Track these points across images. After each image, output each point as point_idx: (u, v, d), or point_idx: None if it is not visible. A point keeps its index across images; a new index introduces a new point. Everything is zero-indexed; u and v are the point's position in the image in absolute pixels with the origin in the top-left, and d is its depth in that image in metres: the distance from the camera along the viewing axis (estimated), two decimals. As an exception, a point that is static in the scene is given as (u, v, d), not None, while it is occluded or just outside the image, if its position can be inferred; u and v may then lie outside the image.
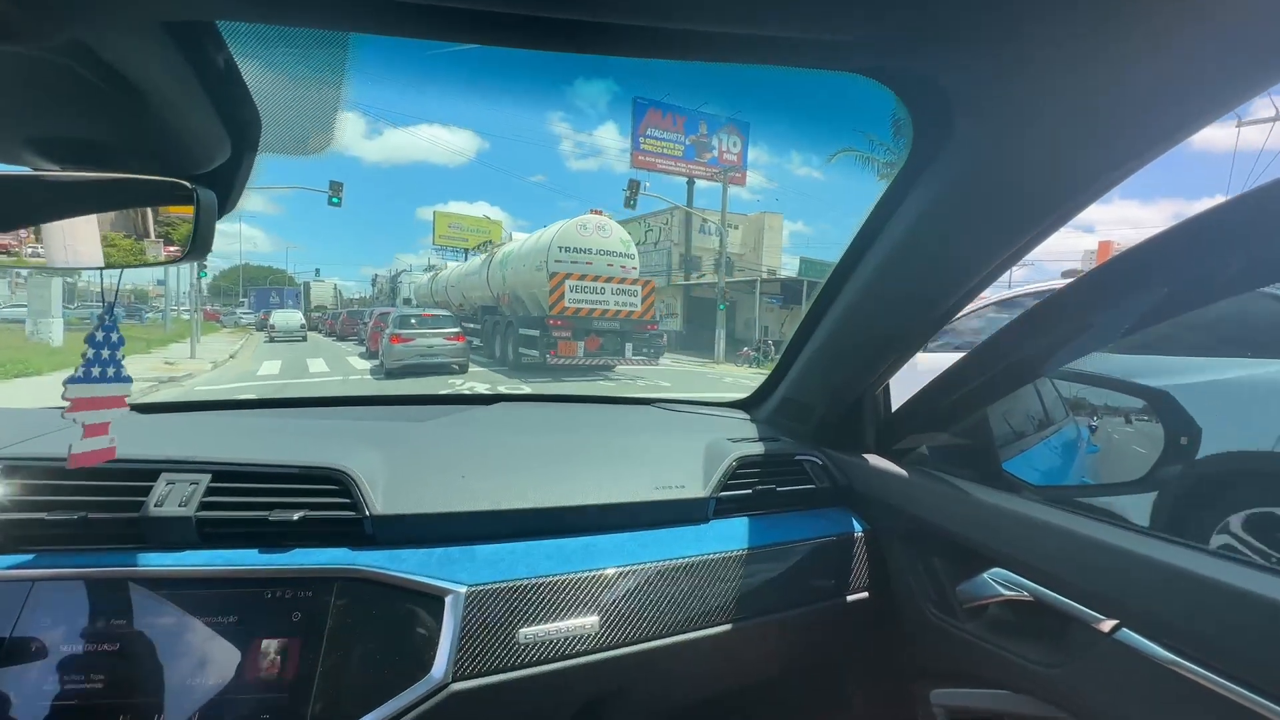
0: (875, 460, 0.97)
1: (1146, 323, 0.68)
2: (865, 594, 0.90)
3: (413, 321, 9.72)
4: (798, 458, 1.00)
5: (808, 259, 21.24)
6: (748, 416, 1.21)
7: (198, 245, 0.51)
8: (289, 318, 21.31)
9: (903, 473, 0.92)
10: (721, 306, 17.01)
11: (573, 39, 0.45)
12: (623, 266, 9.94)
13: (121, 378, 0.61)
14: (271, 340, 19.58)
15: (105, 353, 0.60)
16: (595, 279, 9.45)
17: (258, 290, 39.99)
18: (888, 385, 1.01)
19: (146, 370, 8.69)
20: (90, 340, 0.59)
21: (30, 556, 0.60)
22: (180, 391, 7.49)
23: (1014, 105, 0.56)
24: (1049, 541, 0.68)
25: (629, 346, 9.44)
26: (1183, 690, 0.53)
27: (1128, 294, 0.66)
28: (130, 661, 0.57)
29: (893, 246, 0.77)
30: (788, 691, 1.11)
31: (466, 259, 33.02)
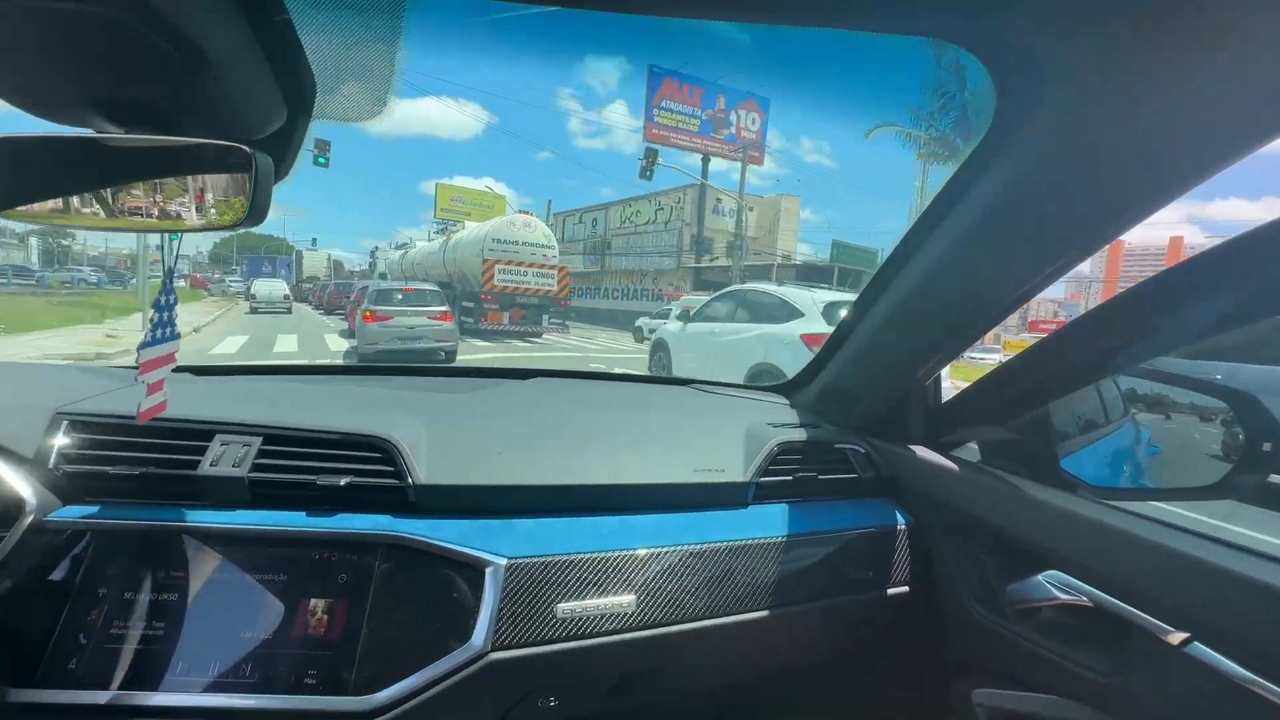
0: (922, 452, 0.97)
1: (1225, 326, 0.67)
2: (905, 588, 0.90)
3: (395, 297, 8.55)
4: (841, 446, 1.00)
5: (841, 243, 20.34)
6: (787, 401, 1.21)
7: (255, 210, 0.51)
8: (272, 287, 20.50)
9: (952, 466, 0.92)
10: None
11: None
12: (544, 255, 13.12)
13: (174, 335, 0.66)
14: (254, 311, 18.90)
15: (165, 315, 0.64)
16: (520, 264, 12.67)
17: (250, 258, 40.10)
18: (939, 376, 1.00)
19: (76, 345, 7.92)
20: (156, 305, 0.63)
21: (95, 508, 0.65)
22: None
23: (1113, 82, 0.53)
24: (1114, 546, 0.67)
25: (545, 318, 12.84)
26: (1262, 711, 0.52)
27: (1206, 295, 0.65)
28: (187, 610, 0.62)
29: (962, 229, 0.74)
30: (822, 681, 1.12)
31: None
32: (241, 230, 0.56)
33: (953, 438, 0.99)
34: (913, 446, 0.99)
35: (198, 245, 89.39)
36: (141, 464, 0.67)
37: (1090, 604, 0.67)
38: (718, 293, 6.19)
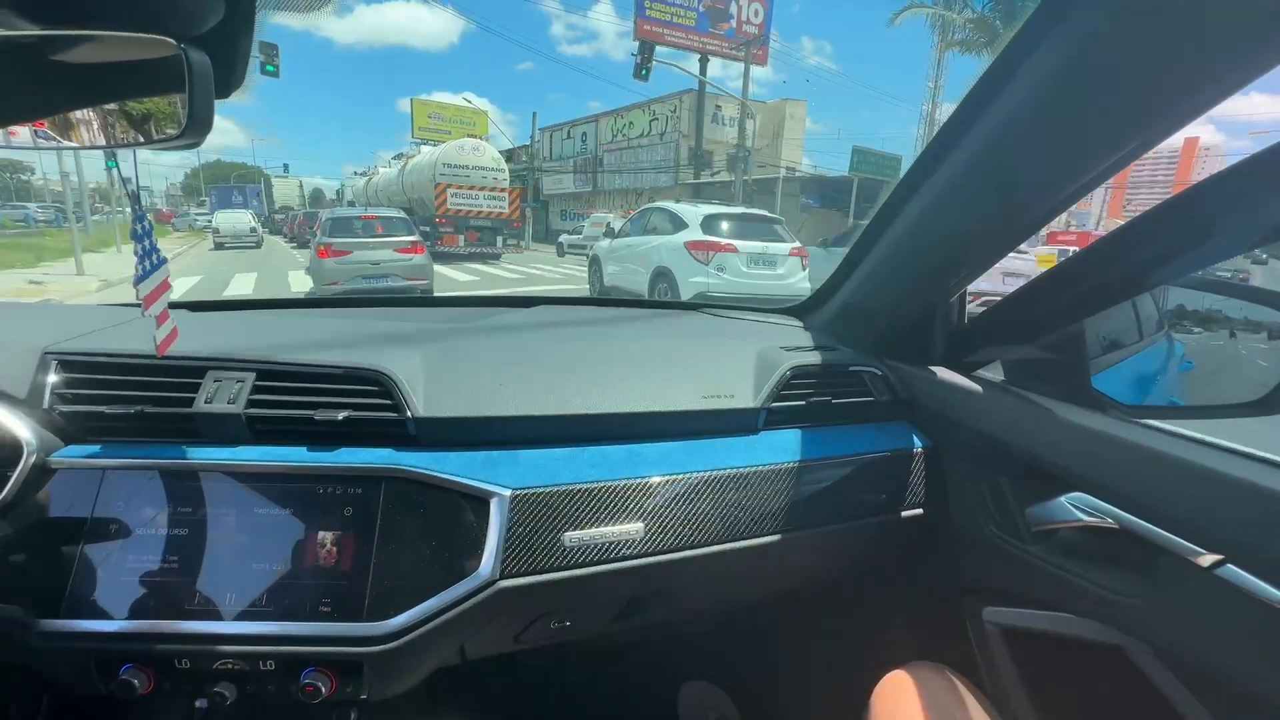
0: (943, 373, 0.96)
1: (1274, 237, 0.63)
2: (920, 510, 0.92)
3: (353, 226, 7.50)
4: (856, 368, 0.99)
5: (863, 149, 18.29)
6: (801, 324, 1.20)
7: (195, 121, 0.47)
8: (236, 220, 19.33)
9: (975, 387, 0.91)
10: None
11: None
12: (495, 178, 14.26)
13: (161, 260, 0.65)
14: (219, 248, 17.72)
15: (146, 242, 0.63)
16: (471, 188, 13.68)
17: (218, 189, 38.45)
18: (964, 294, 0.97)
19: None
20: (134, 235, 0.62)
21: (97, 447, 0.67)
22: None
23: None
24: (1145, 468, 0.66)
25: (500, 239, 13.87)
26: None
27: (1257, 202, 0.61)
28: (200, 545, 0.65)
29: (990, 134, 0.71)
30: (831, 599, 1.15)
31: None
32: (184, 145, 0.50)
33: (976, 358, 0.97)
34: (933, 368, 0.98)
35: (168, 178, 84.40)
36: (136, 402, 0.68)
37: (1115, 526, 0.68)
38: (635, 212, 7.94)
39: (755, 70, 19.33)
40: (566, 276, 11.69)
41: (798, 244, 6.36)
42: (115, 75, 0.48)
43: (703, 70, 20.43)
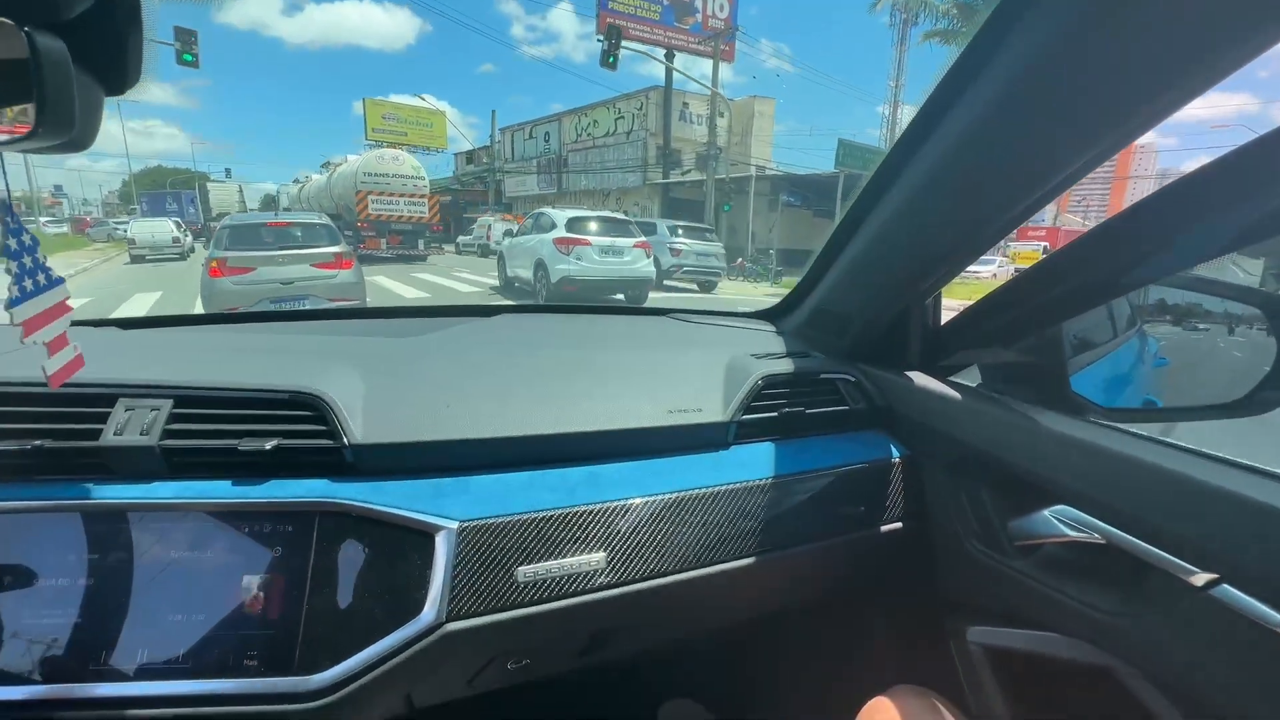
0: (920, 379, 0.95)
1: (1260, 234, 0.63)
2: (899, 524, 0.91)
3: (261, 237, 6.23)
4: (829, 375, 0.98)
5: (849, 143, 18.44)
6: (774, 329, 1.18)
7: (49, 116, 0.41)
8: (155, 229, 17.58)
9: (951, 393, 0.90)
10: (726, 208, 16.29)
11: None
12: (414, 185, 15.53)
13: (53, 280, 0.59)
14: (138, 260, 16.18)
15: (27, 259, 0.57)
16: (392, 194, 15.00)
17: (149, 195, 36.90)
18: (939, 295, 0.97)
19: None
20: (7, 252, 0.56)
21: None
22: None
23: None
24: (1130, 479, 0.65)
25: (421, 242, 15.43)
26: None
27: (1239, 199, 0.62)
28: (108, 597, 0.59)
29: (964, 129, 0.70)
30: (810, 620, 1.14)
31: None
32: (47, 146, 0.44)
33: (952, 361, 0.98)
34: (909, 373, 0.97)
35: (102, 185, 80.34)
36: (35, 435, 0.62)
37: (1101, 541, 0.67)
38: (530, 214, 10.13)
39: (723, 68, 19.59)
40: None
41: (643, 239, 8.69)
42: None
43: (669, 69, 20.62)
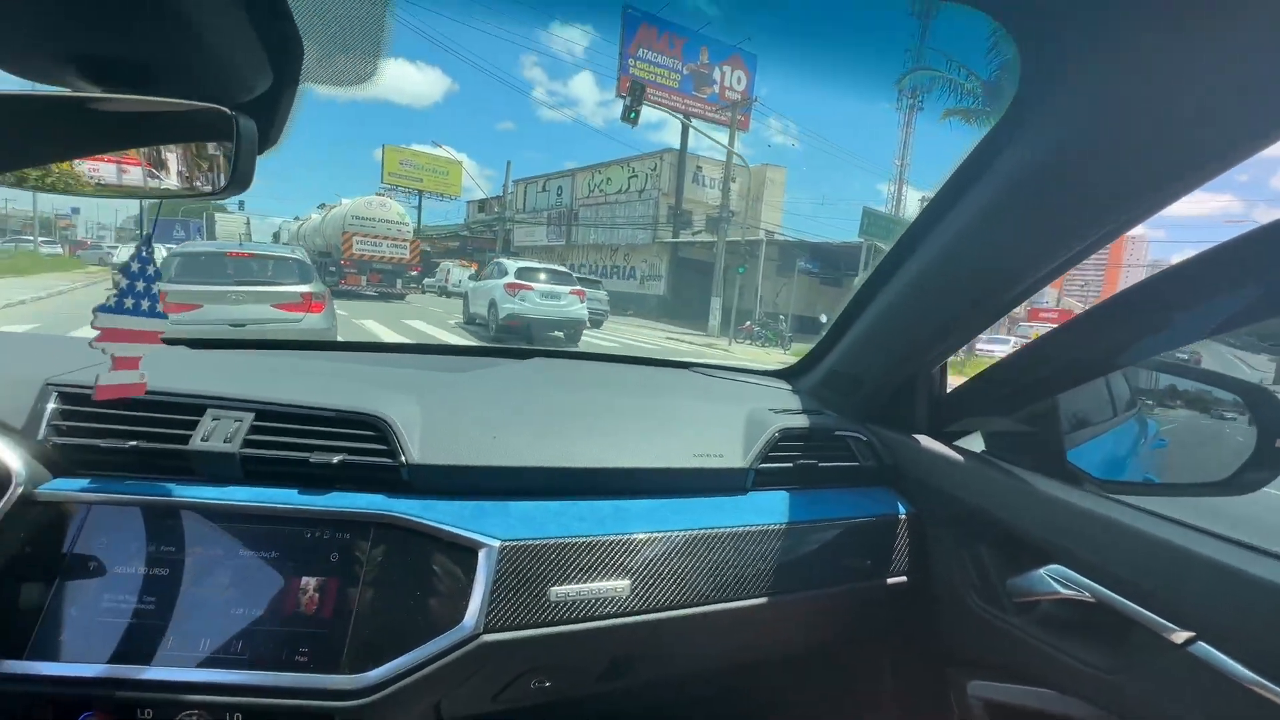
0: (925, 441, 1.03)
1: (1239, 322, 0.70)
2: (904, 578, 0.97)
3: (216, 269, 5.47)
4: (841, 433, 1.06)
5: (873, 211, 19.10)
6: (790, 387, 1.28)
7: (237, 178, 0.53)
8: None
9: (955, 456, 0.98)
10: (740, 270, 16.61)
11: None
12: (398, 230, 17.30)
13: (155, 313, 0.68)
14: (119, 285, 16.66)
15: (140, 285, 0.66)
16: (375, 237, 16.76)
17: (160, 222, 37.75)
18: (945, 365, 1.06)
19: None
20: (125, 271, 0.65)
21: (86, 481, 0.69)
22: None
23: (1143, 60, 0.56)
24: (1119, 542, 0.72)
25: (399, 281, 16.94)
26: (1265, 712, 0.57)
27: (1221, 289, 0.70)
28: (179, 586, 0.66)
29: (974, 215, 0.78)
30: (816, 666, 1.20)
31: (420, 201, 32.07)
32: (225, 198, 0.58)
33: (957, 427, 1.06)
34: (916, 435, 1.05)
35: (117, 209, 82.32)
36: (132, 437, 0.71)
37: (1092, 599, 0.72)
38: (488, 263, 12.19)
39: (737, 137, 20.64)
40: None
41: (579, 287, 10.56)
42: (162, 124, 0.55)
43: (685, 132, 21.74)
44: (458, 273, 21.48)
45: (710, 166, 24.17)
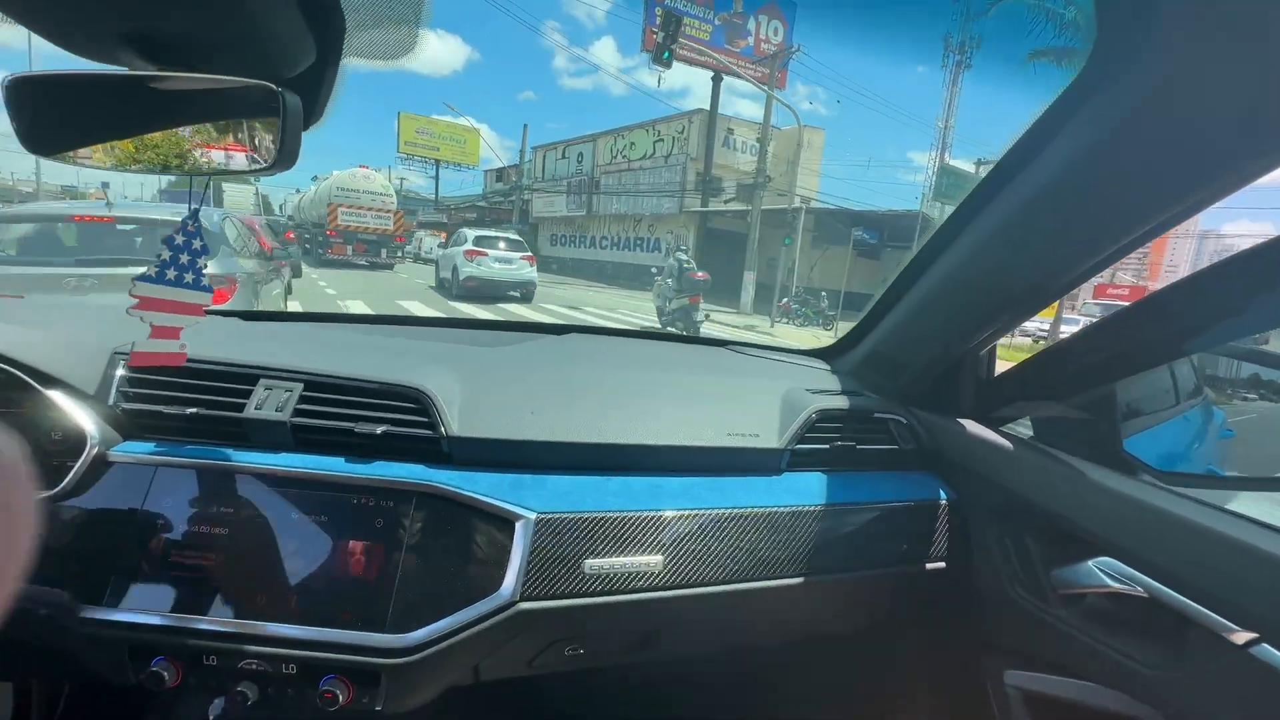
0: (971, 426, 1.02)
1: None
2: (943, 564, 0.98)
3: (62, 243, 3.86)
4: (882, 415, 1.06)
5: (953, 168, 17.80)
6: (828, 367, 1.27)
7: (284, 154, 0.55)
8: None
9: (1003, 442, 0.96)
10: (787, 241, 15.19)
11: None
12: (381, 201, 18.33)
13: (201, 286, 0.71)
14: None
15: (184, 258, 0.69)
16: (360, 208, 17.81)
17: (170, 193, 37.82)
18: (994, 347, 1.03)
19: None
20: (168, 242, 0.68)
21: (152, 445, 0.77)
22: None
23: (1227, 33, 0.53)
24: (1179, 538, 0.70)
25: (384, 251, 17.98)
26: None
27: None
28: (237, 545, 0.73)
29: (1036, 188, 0.75)
30: (849, 649, 1.24)
31: (437, 171, 36.67)
32: (273, 174, 0.60)
33: (1004, 413, 1.04)
34: (961, 420, 1.04)
35: (142, 183, 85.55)
36: (192, 405, 0.78)
37: (1145, 595, 0.72)
38: (453, 235, 14.48)
39: (780, 89, 18.99)
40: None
41: (528, 253, 12.81)
42: (215, 112, 0.59)
43: (715, 89, 20.18)
44: (429, 241, 24.39)
45: (742, 129, 22.60)
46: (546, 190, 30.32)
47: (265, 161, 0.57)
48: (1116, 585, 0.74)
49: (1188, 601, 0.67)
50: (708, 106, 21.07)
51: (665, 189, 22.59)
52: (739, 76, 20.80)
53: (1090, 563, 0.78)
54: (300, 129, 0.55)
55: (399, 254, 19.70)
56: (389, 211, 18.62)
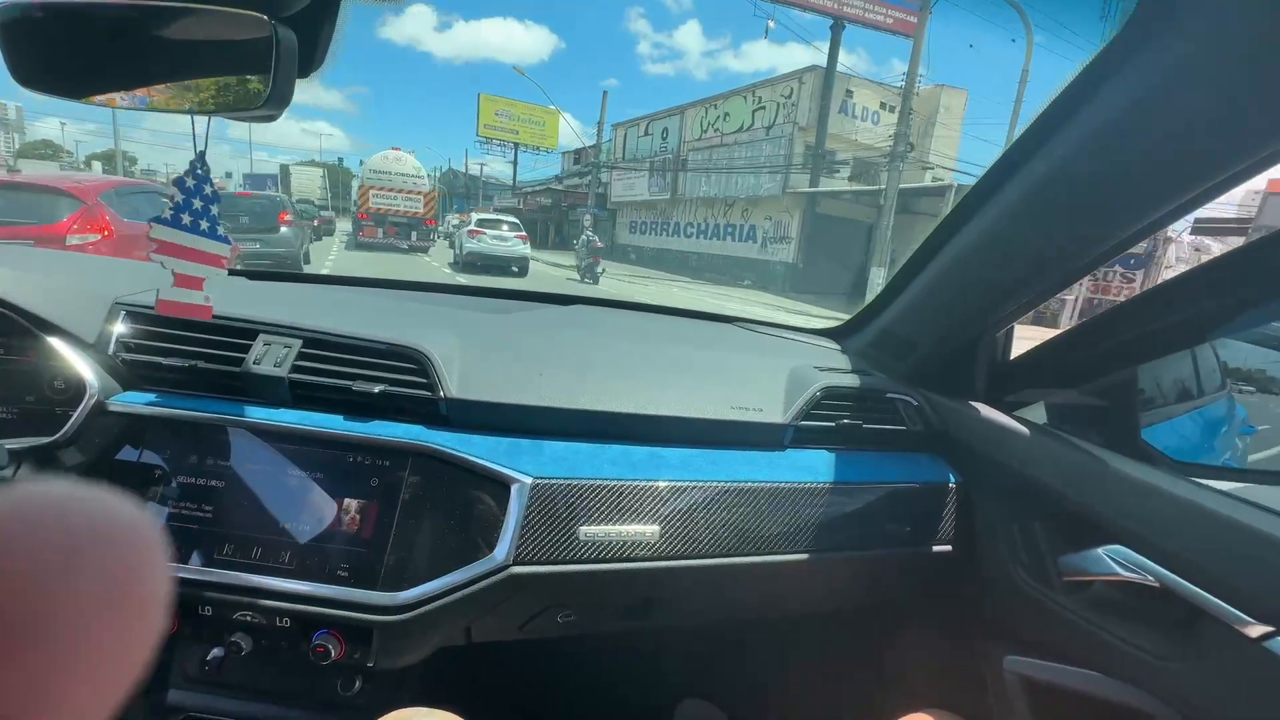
0: (982, 409, 1.04)
1: None
2: (948, 547, 1.00)
3: None
4: (891, 395, 1.08)
5: None
6: (837, 347, 1.31)
7: (275, 94, 0.55)
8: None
9: (1015, 426, 0.97)
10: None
11: None
12: (413, 183, 19.05)
13: (219, 237, 0.73)
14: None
15: (197, 203, 0.70)
16: (391, 190, 18.63)
17: (251, 177, 38.97)
18: (1011, 329, 1.04)
19: None
20: (179, 184, 0.69)
21: (152, 396, 0.79)
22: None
23: None
24: (1197, 527, 0.70)
25: (414, 234, 18.84)
26: None
27: None
28: (233, 499, 0.76)
29: (1060, 161, 0.74)
30: (846, 626, 1.27)
31: (515, 154, 36.89)
32: (263, 116, 0.59)
33: (1018, 397, 1.06)
34: (972, 403, 1.06)
35: (168, 161, 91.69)
36: (192, 357, 0.81)
37: (1155, 584, 0.73)
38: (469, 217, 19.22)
39: (896, 48, 15.32)
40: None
41: (523, 232, 16.15)
42: (207, 51, 0.59)
43: (835, 40, 16.73)
44: (455, 220, 26.60)
45: (864, 92, 19.20)
46: (628, 168, 27.72)
47: (257, 104, 0.57)
48: (1127, 574, 0.75)
49: (1201, 592, 0.67)
50: (828, 56, 17.54)
51: (771, 157, 19.39)
52: (870, 25, 17.06)
53: (1100, 550, 0.78)
54: (294, 70, 0.55)
55: (431, 237, 20.54)
56: (420, 194, 19.27)
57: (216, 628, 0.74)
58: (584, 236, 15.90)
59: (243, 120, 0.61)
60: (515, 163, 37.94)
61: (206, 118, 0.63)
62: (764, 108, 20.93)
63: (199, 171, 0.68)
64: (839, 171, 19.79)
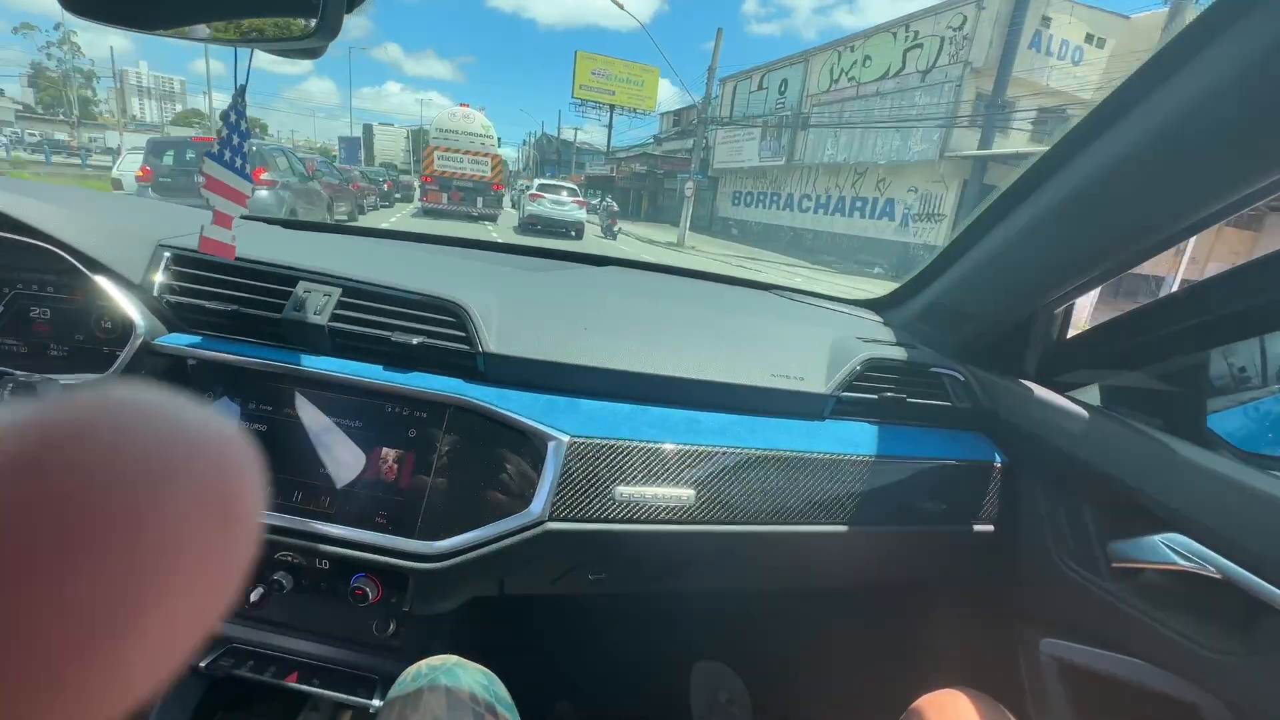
0: (1034, 389, 1.01)
1: None
2: (990, 527, 1.00)
3: None
4: (937, 370, 1.07)
5: None
6: (880, 319, 1.31)
7: (324, 25, 0.54)
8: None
9: (1069, 407, 0.95)
10: None
11: None
12: (481, 144, 18.00)
13: (243, 173, 0.74)
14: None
15: (235, 139, 0.71)
16: (457, 151, 17.79)
17: (347, 141, 39.18)
18: (1070, 307, 1.02)
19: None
20: (224, 118, 0.70)
21: (196, 338, 0.83)
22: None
23: None
24: (1264, 517, 0.69)
25: (480, 200, 18.11)
26: None
27: None
28: (275, 443, 0.80)
29: (1137, 138, 0.71)
30: (878, 601, 1.31)
31: (611, 118, 35.61)
32: (311, 47, 0.58)
33: (1072, 378, 1.04)
34: (1024, 381, 1.04)
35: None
36: (234, 301, 0.85)
37: (1216, 575, 0.71)
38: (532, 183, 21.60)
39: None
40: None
41: (580, 198, 17.69)
42: None
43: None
44: (523, 183, 27.50)
45: (1064, 19, 14.24)
46: (736, 130, 24.16)
47: (307, 31, 0.56)
48: (1185, 564, 0.73)
49: (1267, 585, 0.66)
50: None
51: (928, 107, 15.21)
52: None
53: (1156, 538, 0.77)
54: (343, 2, 0.54)
55: (499, 203, 19.85)
56: (487, 156, 18.17)
57: (259, 566, 0.77)
58: (603, 202, 19.64)
59: (291, 53, 0.60)
60: (610, 125, 35.82)
61: (249, 52, 0.63)
62: (920, 45, 16.06)
63: (239, 106, 0.69)
64: (1013, 126, 15.29)
